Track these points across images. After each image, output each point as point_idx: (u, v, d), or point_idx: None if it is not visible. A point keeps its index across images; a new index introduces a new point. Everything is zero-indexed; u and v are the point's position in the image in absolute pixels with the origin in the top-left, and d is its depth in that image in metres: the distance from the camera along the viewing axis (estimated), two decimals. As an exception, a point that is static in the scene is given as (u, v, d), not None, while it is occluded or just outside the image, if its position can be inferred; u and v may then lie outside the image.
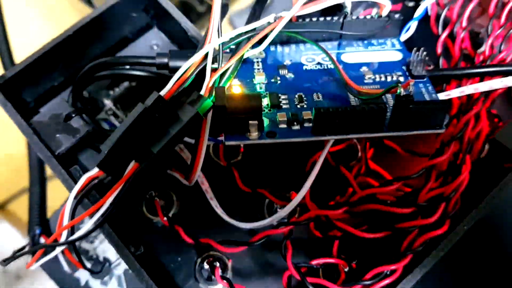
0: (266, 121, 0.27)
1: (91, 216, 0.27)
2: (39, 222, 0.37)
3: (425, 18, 0.34)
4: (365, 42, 0.32)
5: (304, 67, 0.30)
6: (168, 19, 0.33)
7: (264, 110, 0.27)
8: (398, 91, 0.25)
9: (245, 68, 0.30)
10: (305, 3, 0.29)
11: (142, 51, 0.36)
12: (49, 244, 0.28)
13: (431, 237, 0.27)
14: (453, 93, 0.29)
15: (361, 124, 0.26)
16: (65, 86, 0.33)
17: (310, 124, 0.26)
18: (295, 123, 0.26)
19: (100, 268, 0.34)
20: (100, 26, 0.33)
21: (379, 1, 0.31)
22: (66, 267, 0.33)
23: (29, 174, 0.39)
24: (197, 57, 0.27)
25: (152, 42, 0.37)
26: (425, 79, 0.29)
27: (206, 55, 0.28)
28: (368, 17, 0.31)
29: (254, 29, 0.28)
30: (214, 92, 0.26)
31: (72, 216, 0.28)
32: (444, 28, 0.33)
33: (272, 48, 0.32)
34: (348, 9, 0.31)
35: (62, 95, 0.33)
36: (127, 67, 0.33)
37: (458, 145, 0.29)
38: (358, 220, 0.29)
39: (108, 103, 0.35)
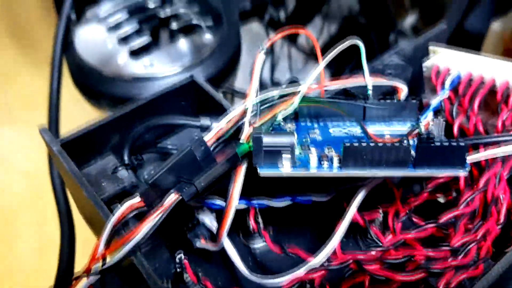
0: (297, 162, 0.29)
1: (125, 244, 0.28)
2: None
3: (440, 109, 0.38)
4: (386, 122, 0.36)
5: (332, 134, 0.33)
6: (213, 107, 0.38)
7: (296, 154, 0.30)
8: (419, 130, 0.28)
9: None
10: (332, 80, 0.34)
11: (185, 140, 0.41)
12: (80, 275, 0.28)
13: (467, 278, 0.26)
14: (477, 157, 0.32)
15: (387, 161, 0.28)
16: (117, 153, 0.36)
17: (339, 164, 0.28)
18: (324, 161, 0.29)
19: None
20: (153, 109, 0.38)
21: (397, 85, 0.36)
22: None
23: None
24: (238, 110, 0.31)
25: (194, 134, 0.41)
26: (444, 143, 0.32)
27: (245, 111, 0.32)
28: (388, 100, 0.35)
29: (287, 94, 0.33)
30: (252, 131, 0.29)
31: (107, 246, 0.28)
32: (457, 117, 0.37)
33: (303, 123, 0.35)
34: (370, 91, 0.35)
35: (113, 155, 0.36)
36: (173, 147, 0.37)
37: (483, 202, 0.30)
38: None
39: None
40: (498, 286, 0.26)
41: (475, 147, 0.33)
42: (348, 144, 0.27)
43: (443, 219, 0.29)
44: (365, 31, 0.81)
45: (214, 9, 0.62)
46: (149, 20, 0.61)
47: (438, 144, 0.27)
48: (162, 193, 0.29)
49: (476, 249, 0.27)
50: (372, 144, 0.27)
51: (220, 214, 0.34)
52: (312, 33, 0.35)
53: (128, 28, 0.59)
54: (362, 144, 0.27)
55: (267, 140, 0.28)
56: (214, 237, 0.32)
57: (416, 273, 0.27)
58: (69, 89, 0.60)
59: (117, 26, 0.60)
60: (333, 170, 0.28)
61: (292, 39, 0.85)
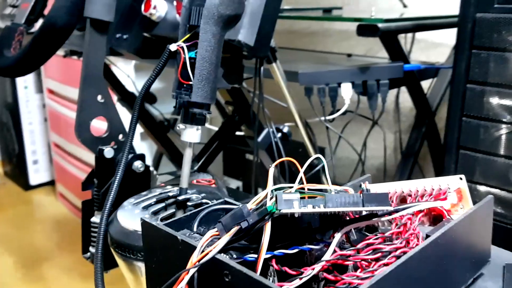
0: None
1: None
2: None
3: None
4: (346, 210, 0.60)
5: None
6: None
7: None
8: (363, 189, 0.53)
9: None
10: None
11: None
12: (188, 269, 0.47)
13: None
14: (398, 214, 0.56)
15: (349, 203, 0.52)
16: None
17: (323, 206, 0.52)
18: (316, 207, 0.52)
19: None
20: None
21: (347, 189, 0.61)
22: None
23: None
24: (263, 194, 0.55)
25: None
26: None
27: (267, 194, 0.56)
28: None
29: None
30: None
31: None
32: (386, 209, 0.62)
33: (297, 211, 0.59)
34: (333, 192, 0.60)
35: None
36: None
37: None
38: None
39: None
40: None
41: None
42: (327, 193, 0.52)
43: (388, 233, 0.52)
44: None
45: (216, 195, 0.89)
46: (171, 204, 0.86)
47: (373, 192, 0.53)
48: (227, 229, 0.51)
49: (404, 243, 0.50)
50: (339, 194, 0.52)
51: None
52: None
53: (157, 207, 0.84)
54: (336, 194, 0.52)
55: (285, 195, 0.52)
56: None
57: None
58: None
59: (148, 207, 0.84)
60: (321, 208, 0.52)
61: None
